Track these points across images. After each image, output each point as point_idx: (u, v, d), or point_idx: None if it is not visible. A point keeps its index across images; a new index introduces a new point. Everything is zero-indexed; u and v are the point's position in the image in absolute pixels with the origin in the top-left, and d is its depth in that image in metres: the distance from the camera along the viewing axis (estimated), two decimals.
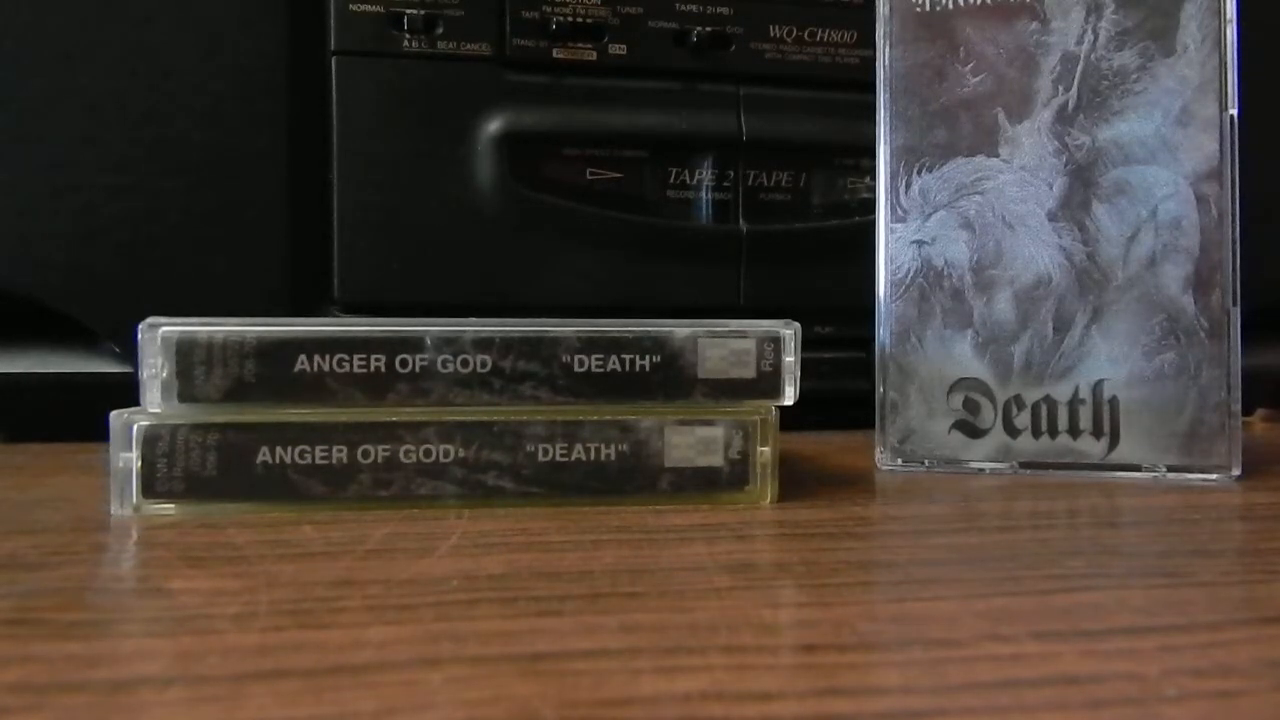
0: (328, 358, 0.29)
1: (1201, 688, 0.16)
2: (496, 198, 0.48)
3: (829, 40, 0.52)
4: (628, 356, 0.30)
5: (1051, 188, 0.37)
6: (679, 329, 0.31)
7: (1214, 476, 0.35)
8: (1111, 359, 0.36)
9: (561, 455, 0.30)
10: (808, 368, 0.32)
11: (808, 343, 0.33)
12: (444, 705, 0.15)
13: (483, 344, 0.30)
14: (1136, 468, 0.36)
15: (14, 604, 0.21)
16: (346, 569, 0.23)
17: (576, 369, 0.30)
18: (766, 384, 0.31)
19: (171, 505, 0.29)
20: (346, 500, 0.29)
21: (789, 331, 0.31)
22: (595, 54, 0.49)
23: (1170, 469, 0.35)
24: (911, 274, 0.38)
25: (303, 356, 0.29)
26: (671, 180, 0.51)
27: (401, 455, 0.29)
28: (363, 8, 0.47)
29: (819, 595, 0.22)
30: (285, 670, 0.17)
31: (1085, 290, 0.36)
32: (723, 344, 0.31)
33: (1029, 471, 0.37)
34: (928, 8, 0.38)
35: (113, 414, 0.29)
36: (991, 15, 0.38)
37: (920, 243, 0.38)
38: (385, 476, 0.29)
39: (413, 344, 0.30)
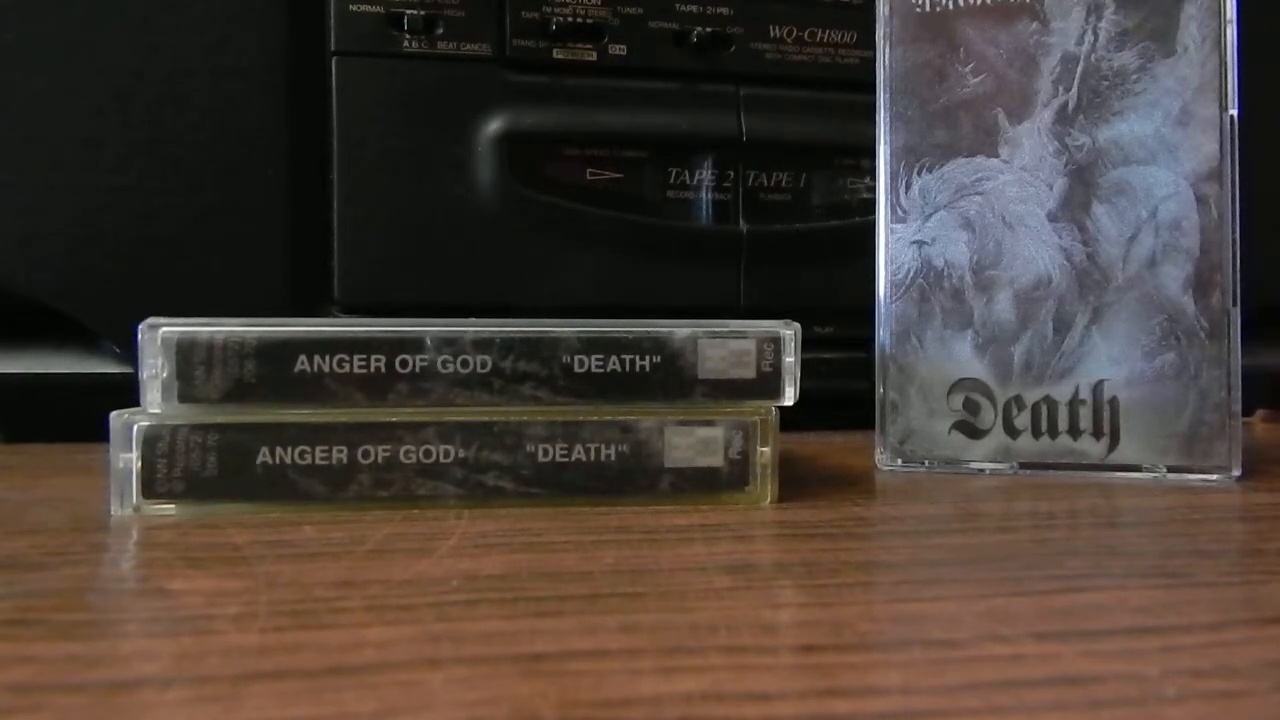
0: (328, 358, 0.29)
1: (1201, 688, 0.16)
2: (496, 198, 0.48)
3: (829, 40, 0.52)
4: (628, 357, 0.30)
5: (1051, 188, 0.37)
6: (679, 329, 0.31)
7: (1214, 477, 0.35)
8: (1111, 359, 0.36)
9: (561, 455, 0.30)
10: (808, 368, 0.32)
11: (808, 343, 0.33)
12: (444, 705, 0.15)
13: (483, 344, 0.30)
14: (1136, 468, 0.36)
15: (14, 604, 0.21)
16: (346, 569, 0.23)
17: (577, 369, 0.30)
18: (766, 384, 0.31)
19: (171, 505, 0.29)
20: (346, 500, 0.29)
21: (789, 332, 0.31)
22: (595, 54, 0.49)
23: (1170, 469, 0.35)
24: (911, 274, 0.38)
25: (303, 357, 0.29)
26: (671, 180, 0.51)
27: (401, 456, 0.29)
28: (363, 8, 0.47)
29: (819, 595, 0.22)
30: (285, 670, 0.17)
31: (1085, 291, 0.36)
32: (723, 344, 0.31)
33: (1029, 472, 0.37)
34: (928, 8, 0.38)
35: (113, 414, 0.29)
36: (991, 16, 0.38)
37: (920, 243, 0.38)
38: (385, 477, 0.29)
39: (413, 344, 0.30)
